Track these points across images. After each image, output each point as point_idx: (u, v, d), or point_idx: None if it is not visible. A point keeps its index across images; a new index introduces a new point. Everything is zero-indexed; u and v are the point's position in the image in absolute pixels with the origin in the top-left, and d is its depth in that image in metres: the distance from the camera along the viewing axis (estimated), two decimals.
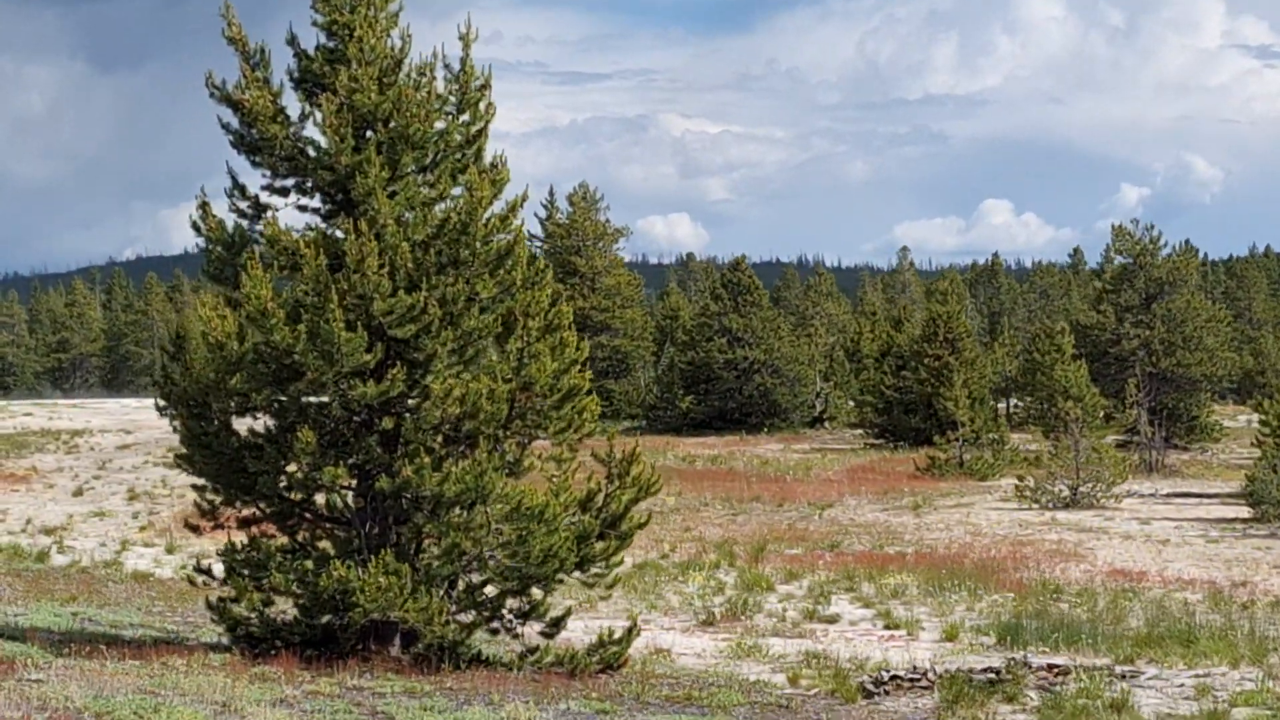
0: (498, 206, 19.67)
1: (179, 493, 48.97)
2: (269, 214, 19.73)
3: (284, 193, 19.91)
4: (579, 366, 19.88)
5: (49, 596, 26.39)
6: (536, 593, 20.17)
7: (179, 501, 46.69)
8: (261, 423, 19.64)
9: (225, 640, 20.39)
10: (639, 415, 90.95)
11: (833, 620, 27.59)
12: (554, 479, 19.73)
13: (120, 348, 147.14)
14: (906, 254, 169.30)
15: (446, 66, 19.99)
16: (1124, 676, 21.76)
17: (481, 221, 19.24)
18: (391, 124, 19.37)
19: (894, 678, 21.23)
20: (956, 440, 62.05)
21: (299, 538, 20.02)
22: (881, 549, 38.32)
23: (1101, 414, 68.19)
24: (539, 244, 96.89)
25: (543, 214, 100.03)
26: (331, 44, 19.66)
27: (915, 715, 19.30)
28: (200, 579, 20.23)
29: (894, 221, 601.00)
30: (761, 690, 20.21)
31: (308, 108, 19.71)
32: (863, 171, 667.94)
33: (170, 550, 36.22)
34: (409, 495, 18.94)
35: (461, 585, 19.82)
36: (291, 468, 19.34)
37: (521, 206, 20.20)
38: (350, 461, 19.18)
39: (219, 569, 19.81)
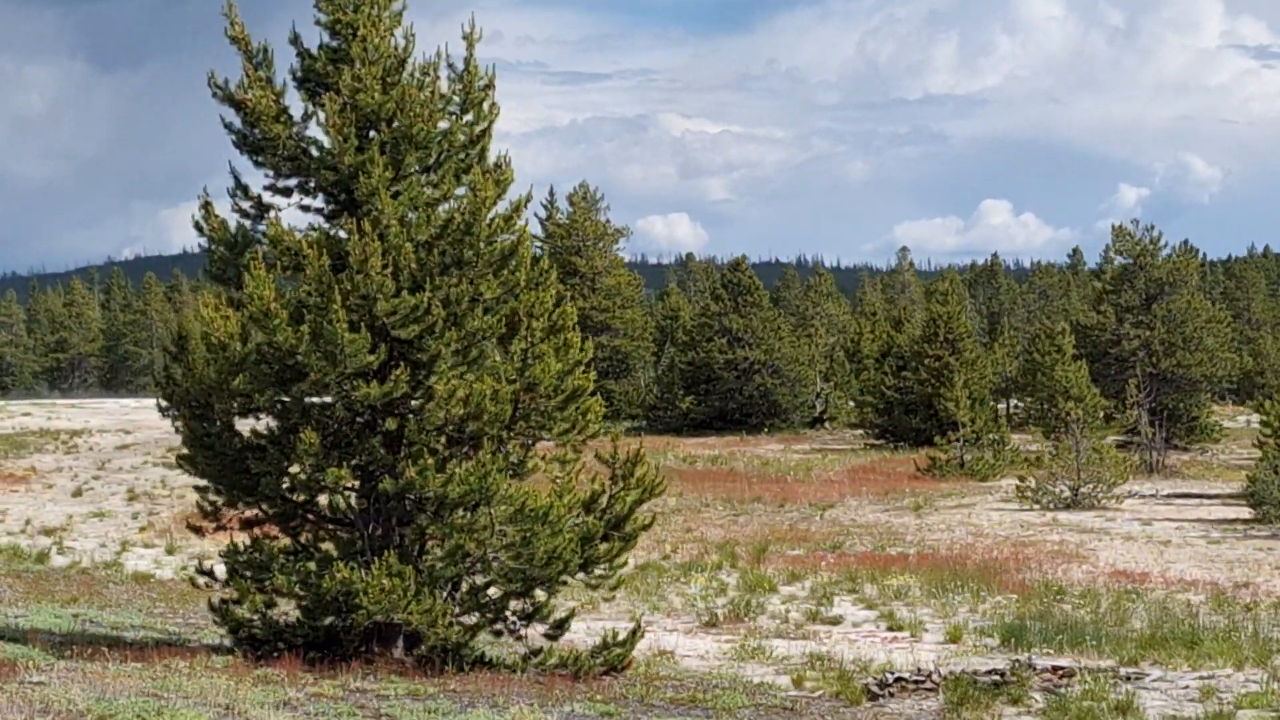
0: (502, 207, 19.62)
1: (179, 493, 48.92)
2: (272, 214, 19.69)
3: (287, 193, 19.84)
4: (583, 367, 19.82)
5: (49, 598, 26.33)
6: (540, 594, 20.12)
7: (179, 502, 46.63)
8: (264, 424, 19.58)
9: (227, 642, 20.31)
10: (639, 416, 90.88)
11: (836, 622, 27.53)
12: (558, 480, 19.67)
13: (119, 348, 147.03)
14: (906, 254, 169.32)
15: (450, 66, 19.92)
16: (1129, 678, 21.70)
17: (485, 222, 19.17)
18: (395, 124, 19.32)
19: (898, 680, 21.17)
20: (957, 441, 61.99)
21: (302, 539, 19.97)
22: (883, 550, 38.26)
23: (1102, 414, 68.16)
24: (539, 244, 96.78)
25: (543, 214, 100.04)
26: (335, 43, 19.59)
27: (920, 717, 19.27)
28: (202, 581, 20.16)
29: (893, 221, 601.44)
30: (766, 692, 20.15)
31: (311, 107, 19.66)
32: (862, 171, 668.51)
33: (170, 551, 36.16)
34: (412, 497, 18.88)
35: (465, 587, 19.77)
36: (294, 469, 19.27)
37: (525, 207, 20.16)
38: (353, 463, 19.12)
39: (221, 570, 19.74)
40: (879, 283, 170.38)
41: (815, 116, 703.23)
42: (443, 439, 19.16)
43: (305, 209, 19.83)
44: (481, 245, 19.11)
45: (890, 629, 26.83)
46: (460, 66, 19.95)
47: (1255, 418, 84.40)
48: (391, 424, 18.97)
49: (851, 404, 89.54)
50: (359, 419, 19.20)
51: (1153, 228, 79.02)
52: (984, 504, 50.79)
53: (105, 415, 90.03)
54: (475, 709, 16.90)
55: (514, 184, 19.97)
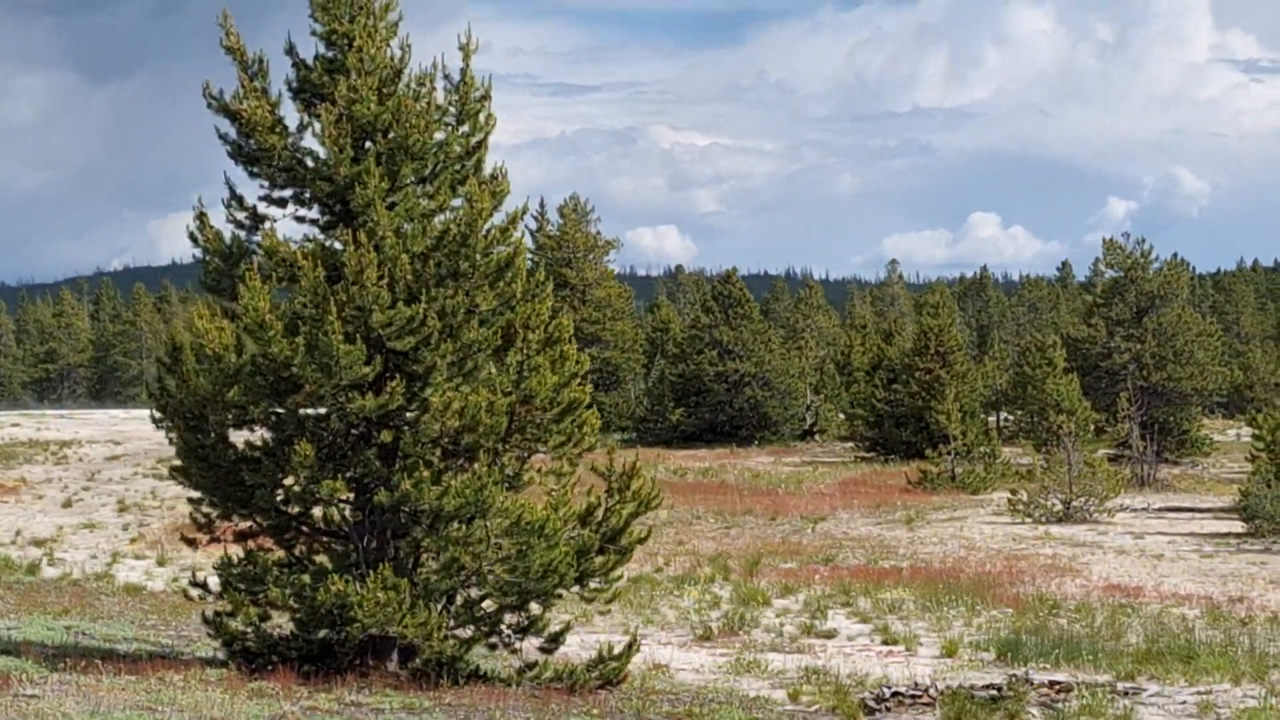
0: (498, 218, 19.56)
1: (169, 504, 48.81)
2: (267, 225, 19.61)
3: (282, 203, 19.77)
4: (579, 380, 19.76)
5: (41, 610, 26.20)
6: (535, 608, 20.03)
7: (169, 513, 46.52)
8: (259, 435, 19.49)
9: (221, 655, 20.20)
10: (629, 428, 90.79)
11: (830, 635, 27.45)
12: (553, 493, 19.58)
13: (108, 358, 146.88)
14: (895, 267, 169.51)
15: (446, 77, 19.87)
16: (1126, 693, 21.64)
17: (481, 233, 19.11)
18: (391, 135, 19.24)
19: (895, 694, 21.11)
20: (948, 454, 61.93)
21: (296, 552, 19.87)
22: (876, 563, 38.18)
23: (1092, 428, 68.15)
24: (531, 256, 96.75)
25: (534, 226, 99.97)
26: (330, 54, 19.52)
27: None
28: (196, 593, 20.06)
29: (882, 234, 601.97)
30: (762, 707, 20.08)
31: (306, 118, 19.58)
32: (851, 184, 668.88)
33: (161, 563, 36.02)
34: (408, 509, 18.79)
35: (460, 600, 19.68)
36: (289, 481, 19.18)
37: (521, 219, 20.11)
38: (348, 475, 19.03)
39: (215, 583, 19.65)
40: (868, 295, 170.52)
41: (805, 128, 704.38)
42: (438, 451, 19.08)
43: (300, 220, 19.75)
44: (477, 257, 19.05)
45: (885, 643, 26.76)
46: (456, 77, 19.91)
47: (1245, 431, 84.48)
48: (387, 436, 18.88)
49: (842, 416, 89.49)
50: (354, 431, 19.11)
51: (1143, 241, 79.07)
52: (976, 517, 50.72)
53: (95, 426, 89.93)
54: None
55: (509, 195, 19.94)
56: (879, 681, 22.28)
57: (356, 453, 19.00)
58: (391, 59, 19.58)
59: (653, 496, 20.16)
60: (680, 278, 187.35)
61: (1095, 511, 50.12)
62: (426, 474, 18.51)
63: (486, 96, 20.01)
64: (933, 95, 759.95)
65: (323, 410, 18.93)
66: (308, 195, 19.59)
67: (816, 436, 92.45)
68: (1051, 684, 21.76)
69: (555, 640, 20.37)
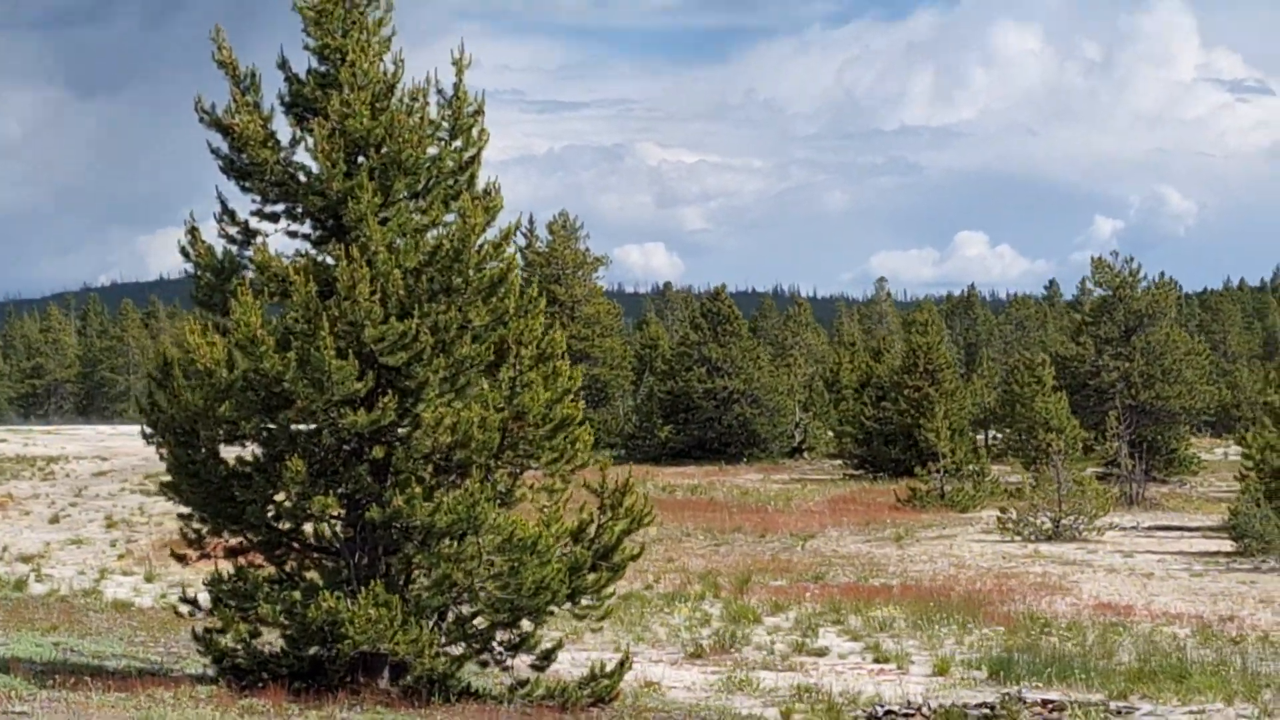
0: (491, 234, 19.50)
1: (156, 520, 48.70)
2: (259, 240, 19.55)
3: (274, 218, 19.70)
4: (572, 396, 19.69)
5: (29, 626, 26.07)
6: (527, 625, 19.94)
7: (156, 529, 46.40)
8: (250, 451, 19.40)
9: (211, 672, 20.10)
10: (618, 444, 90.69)
11: (821, 653, 27.36)
12: (545, 509, 19.50)
13: (95, 374, 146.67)
14: (883, 284, 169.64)
15: (439, 92, 19.79)
16: (1119, 713, 21.59)
17: (474, 248, 19.04)
18: (384, 149, 19.19)
19: (888, 713, 21.05)
20: (937, 472, 61.89)
21: (287, 568, 19.77)
22: (866, 581, 38.11)
23: (1081, 446, 68.14)
24: (521, 272, 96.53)
25: (522, 242, 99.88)
26: (323, 68, 19.45)
27: None
28: (186, 609, 19.97)
29: (870, 252, 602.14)
30: None
31: (299, 133, 19.52)
32: (839, 202, 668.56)
33: (149, 579, 35.89)
34: (399, 525, 18.69)
35: (451, 617, 19.59)
36: (280, 497, 19.10)
37: (515, 234, 20.06)
38: (340, 491, 18.93)
39: (205, 599, 19.55)
40: (856, 313, 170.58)
41: (793, 146, 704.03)
42: (430, 467, 19.00)
43: (292, 235, 19.68)
44: (470, 272, 18.98)
45: (876, 661, 26.68)
46: (449, 92, 19.85)
47: (1232, 450, 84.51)
48: (379, 452, 18.80)
49: (830, 434, 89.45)
50: (346, 447, 19.03)
51: (1132, 259, 79.13)
52: (965, 535, 50.68)
53: (82, 442, 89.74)
54: None
55: (502, 211, 19.88)
56: (871, 700, 22.21)
57: (348, 469, 18.92)
58: (384, 74, 19.51)
59: (645, 513, 20.07)
60: (668, 295, 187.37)
61: (1084, 530, 50.09)
62: (418, 490, 18.42)
63: (480, 111, 19.95)
64: (920, 114, 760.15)
65: (314, 426, 18.86)
66: (300, 210, 19.53)
67: (805, 454, 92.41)
68: (1045, 703, 21.70)
69: (547, 658, 20.27)
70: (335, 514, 19.08)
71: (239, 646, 19.52)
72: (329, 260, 19.16)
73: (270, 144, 19.35)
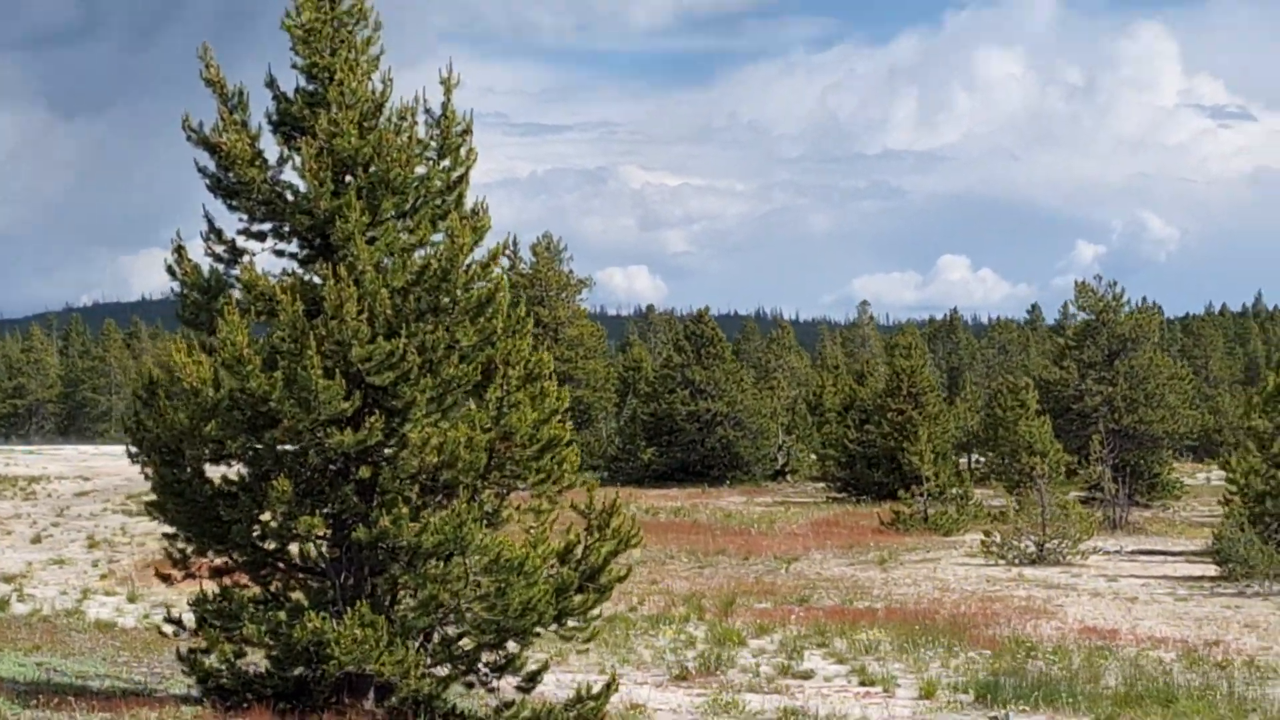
0: (478, 254, 19.45)
1: (138, 541, 48.58)
2: (246, 258, 19.45)
3: (261, 237, 19.62)
4: (559, 416, 19.63)
5: (12, 646, 25.94)
6: (513, 646, 19.86)
7: (139, 550, 46.27)
8: (235, 470, 19.31)
9: (195, 692, 19.99)
10: (601, 467, 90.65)
11: (807, 676, 27.28)
12: (532, 530, 19.43)
13: (77, 394, 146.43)
14: (866, 308, 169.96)
15: (427, 111, 19.75)
16: None
17: (462, 268, 18.99)
18: (372, 168, 19.12)
19: None
20: (921, 495, 61.87)
21: (272, 588, 19.68)
22: (851, 604, 38.03)
23: (1064, 470, 68.16)
24: (507, 293, 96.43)
25: (506, 264, 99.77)
26: (311, 87, 19.39)
27: None
28: (170, 629, 19.88)
29: (852, 275, 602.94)
30: None
31: (286, 151, 19.44)
32: (822, 225, 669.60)
33: (132, 599, 35.75)
34: (385, 545, 18.60)
35: (437, 638, 19.50)
36: (266, 516, 19.00)
37: (503, 254, 20.01)
38: (326, 511, 18.83)
39: (189, 619, 19.46)
40: (839, 336, 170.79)
41: (776, 169, 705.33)
42: (417, 487, 18.91)
43: (280, 254, 19.60)
44: (458, 292, 18.92)
45: (863, 684, 26.60)
46: (437, 112, 19.82)
47: (1215, 475, 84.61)
48: (365, 472, 18.72)
49: (814, 457, 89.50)
50: (332, 466, 18.94)
51: (1115, 284, 79.31)
52: (949, 558, 50.64)
53: (63, 462, 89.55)
54: None
55: (490, 231, 19.84)
56: None
57: (334, 488, 18.83)
58: (373, 93, 19.46)
59: (632, 535, 20.00)
60: (651, 317, 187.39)
61: (1068, 554, 50.09)
62: (405, 510, 18.33)
63: (468, 131, 19.91)
64: (904, 138, 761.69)
65: (300, 445, 18.77)
66: (287, 229, 19.45)
67: (788, 476, 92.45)
68: None
69: (533, 679, 20.20)
70: (321, 534, 18.98)
71: (224, 667, 19.42)
72: (316, 279, 19.09)
73: (258, 162, 19.29)
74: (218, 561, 19.63)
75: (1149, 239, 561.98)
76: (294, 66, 19.45)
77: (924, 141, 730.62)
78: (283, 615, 18.71)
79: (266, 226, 19.54)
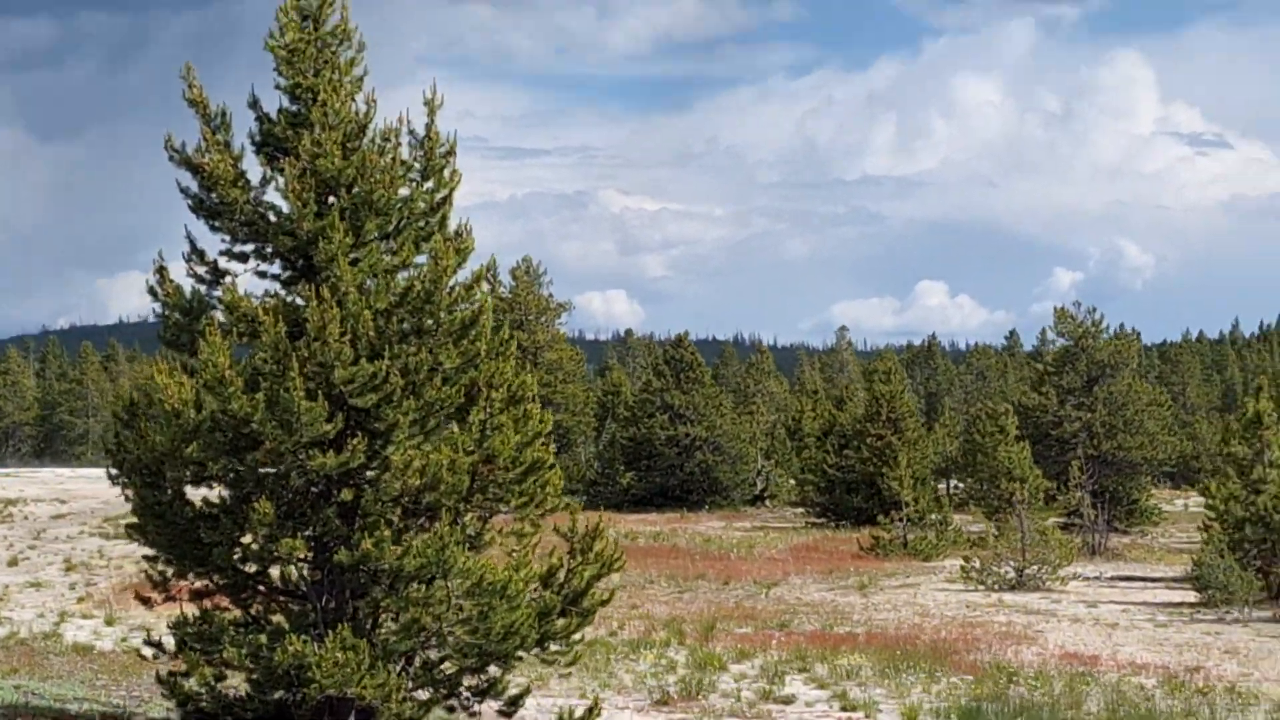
0: (462, 276, 19.41)
1: (116, 564, 48.39)
2: (228, 279, 19.39)
3: (243, 258, 19.55)
4: (542, 439, 19.57)
5: None
6: (495, 670, 19.77)
7: (116, 572, 46.08)
8: (217, 492, 19.21)
9: (175, 716, 19.90)
10: (580, 491, 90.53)
11: (789, 701, 27.20)
12: (514, 554, 19.36)
13: (54, 416, 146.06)
14: (845, 333, 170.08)
15: (411, 132, 19.71)
16: None
17: (446, 290, 18.94)
18: (355, 190, 19.05)
19: None
20: (900, 520, 61.82)
21: (253, 611, 19.58)
22: (831, 629, 37.96)
23: (1043, 496, 68.12)
24: (491, 315, 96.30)
25: (486, 288, 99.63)
26: (295, 108, 19.34)
27: None
28: (150, 652, 19.77)
29: (831, 301, 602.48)
30: None
31: (269, 172, 19.39)
32: (800, 250, 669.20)
33: (110, 622, 35.59)
34: (367, 568, 18.50)
35: (418, 661, 19.42)
36: (247, 539, 18.92)
37: (486, 277, 19.96)
38: (308, 533, 18.74)
39: (169, 642, 19.34)
40: (817, 361, 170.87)
41: (754, 195, 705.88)
42: (399, 510, 18.83)
43: (262, 275, 19.54)
44: (442, 314, 18.88)
45: (844, 709, 26.53)
46: (421, 133, 19.77)
47: (1193, 501, 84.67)
48: (347, 494, 18.63)
49: (793, 482, 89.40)
50: (314, 489, 18.85)
51: (1094, 310, 79.20)
52: (929, 584, 50.59)
53: (40, 485, 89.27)
54: None
55: (474, 253, 19.79)
56: None
57: (316, 511, 18.73)
58: (356, 113, 19.41)
59: (615, 558, 19.96)
60: (630, 342, 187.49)
61: (1048, 579, 50.03)
62: (387, 533, 18.24)
63: (451, 152, 19.87)
64: (882, 164, 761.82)
65: (283, 468, 18.67)
66: (270, 250, 19.39)
67: (767, 501, 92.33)
68: None
69: (514, 703, 20.11)
70: (303, 557, 18.87)
71: (204, 690, 19.30)
72: (299, 301, 19.02)
73: (240, 183, 19.23)
74: (198, 584, 19.54)
75: (1126, 266, 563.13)
76: (277, 87, 19.41)
77: (902, 167, 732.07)
78: (263, 638, 18.61)
79: (249, 247, 19.48)
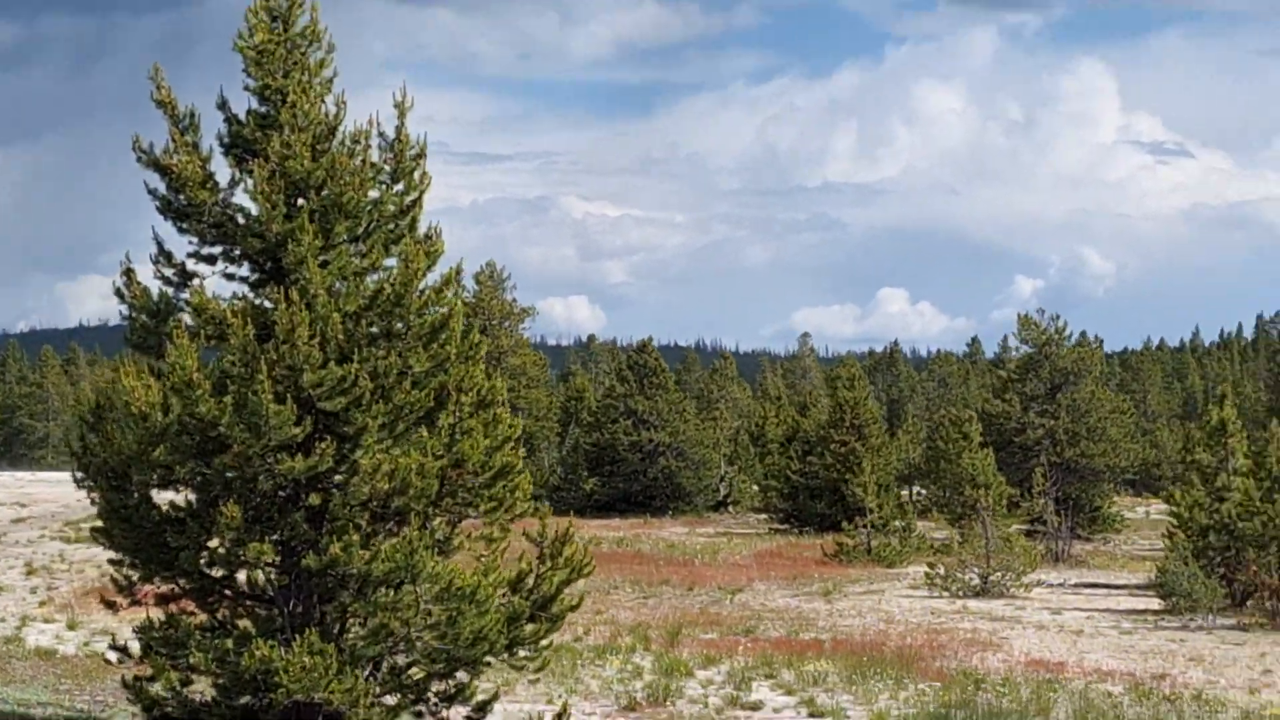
0: (431, 279, 19.30)
1: (77, 568, 48.10)
2: (196, 282, 19.26)
3: (211, 260, 19.42)
4: (511, 444, 19.48)
5: None
6: (463, 675, 19.67)
7: (78, 576, 45.81)
8: (184, 496, 19.07)
9: None
10: (543, 496, 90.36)
11: (756, 707, 27.13)
12: (483, 559, 19.26)
13: (14, 420, 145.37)
14: (807, 340, 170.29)
15: (381, 135, 19.61)
16: None
17: (416, 293, 18.84)
18: (324, 192, 18.93)
19: None
20: (864, 526, 61.82)
21: (219, 615, 19.45)
22: (796, 635, 37.90)
23: (1006, 502, 68.19)
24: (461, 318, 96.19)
25: (459, 290, 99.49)
26: (264, 109, 19.22)
27: None
28: (115, 656, 19.61)
29: (793, 308, 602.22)
30: None
31: (238, 174, 19.25)
32: (762, 257, 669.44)
33: (72, 626, 35.34)
34: (335, 573, 18.38)
35: (386, 667, 19.29)
36: (214, 543, 18.78)
37: (456, 280, 19.85)
38: (275, 538, 18.61)
39: (135, 646, 19.19)
40: (780, 368, 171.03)
41: (716, 201, 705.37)
42: (367, 514, 18.70)
43: (230, 277, 19.41)
44: (412, 317, 18.79)
45: (812, 715, 26.47)
46: (391, 135, 19.66)
47: (1154, 509, 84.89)
48: (315, 498, 18.50)
49: (756, 488, 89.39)
50: (282, 493, 18.72)
51: (1058, 317, 79.37)
52: (893, 590, 50.58)
53: (0, 488, 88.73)
54: None
55: (443, 256, 19.70)
56: None
57: (284, 515, 18.60)
58: (326, 115, 19.30)
59: (585, 564, 19.91)
60: (592, 347, 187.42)
61: (1012, 586, 50.05)
62: (355, 538, 18.12)
63: (422, 155, 19.78)
64: (843, 170, 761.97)
65: (250, 471, 18.54)
66: (238, 252, 19.27)
67: (730, 507, 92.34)
68: None
69: (482, 709, 20.03)
70: (270, 561, 18.74)
71: (169, 695, 19.14)
72: (267, 303, 18.89)
73: (209, 185, 19.10)
74: (164, 588, 19.39)
75: (1087, 274, 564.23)
76: (246, 88, 19.28)
77: (864, 174, 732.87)
78: (230, 643, 18.48)
79: (217, 250, 19.35)
